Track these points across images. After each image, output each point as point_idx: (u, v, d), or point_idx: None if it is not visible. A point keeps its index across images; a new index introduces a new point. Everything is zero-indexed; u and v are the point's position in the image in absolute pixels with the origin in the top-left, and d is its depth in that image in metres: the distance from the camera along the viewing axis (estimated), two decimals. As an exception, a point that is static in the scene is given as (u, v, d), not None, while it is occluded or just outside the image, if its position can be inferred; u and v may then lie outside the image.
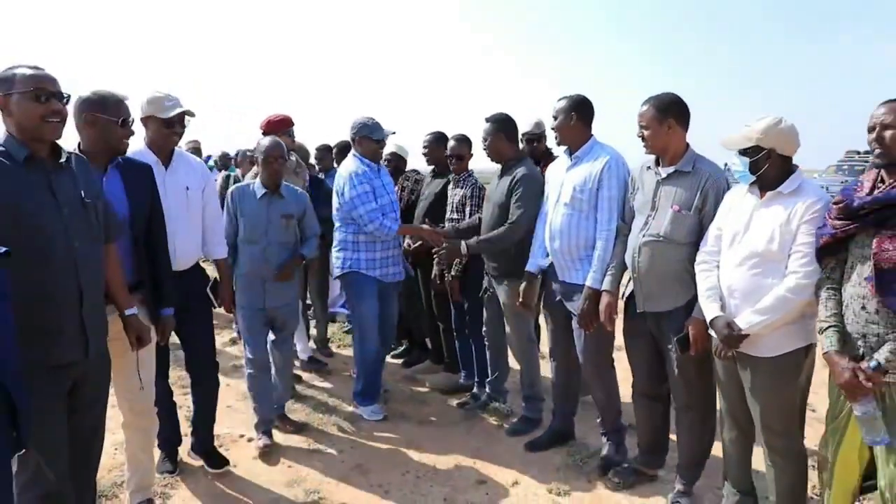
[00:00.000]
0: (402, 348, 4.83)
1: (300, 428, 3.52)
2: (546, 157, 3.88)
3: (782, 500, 2.37)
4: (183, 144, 4.11)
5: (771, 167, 2.20)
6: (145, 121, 2.67)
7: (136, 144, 2.67)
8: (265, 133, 3.77)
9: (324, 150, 5.53)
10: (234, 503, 2.84)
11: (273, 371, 3.46)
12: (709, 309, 2.34)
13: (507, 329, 3.55)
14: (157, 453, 2.95)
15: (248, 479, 3.02)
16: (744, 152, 2.23)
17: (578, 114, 2.93)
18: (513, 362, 3.79)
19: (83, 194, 1.95)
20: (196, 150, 7.10)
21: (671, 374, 2.64)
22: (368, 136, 3.54)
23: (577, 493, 2.88)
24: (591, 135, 2.99)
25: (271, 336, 3.44)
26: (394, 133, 3.76)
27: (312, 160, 5.49)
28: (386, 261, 3.61)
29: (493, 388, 3.81)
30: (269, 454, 3.22)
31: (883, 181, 1.97)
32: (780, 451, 2.34)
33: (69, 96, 1.94)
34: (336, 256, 3.64)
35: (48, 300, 1.85)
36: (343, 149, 5.41)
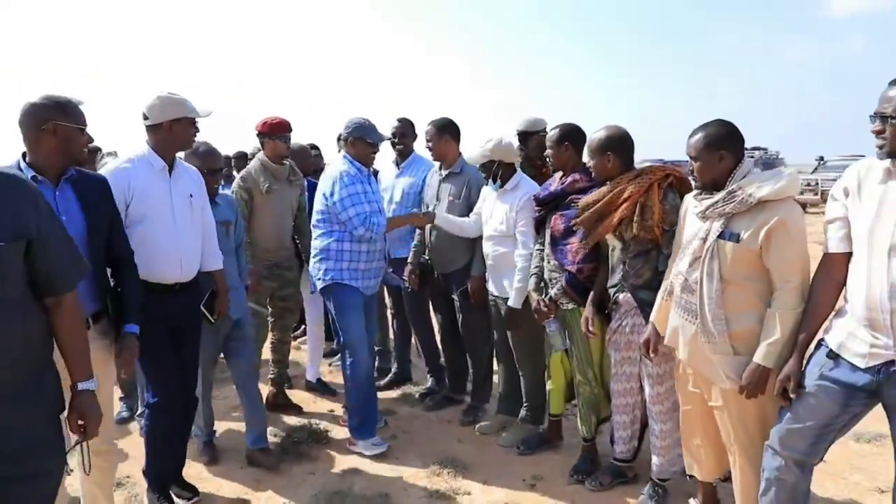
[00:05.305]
0: None
1: (277, 465, 3.17)
2: None
3: (530, 398, 3.42)
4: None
5: (503, 172, 3.23)
6: (168, 124, 2.53)
7: (129, 149, 2.61)
8: (264, 135, 3.61)
9: (240, 159, 5.52)
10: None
11: (241, 398, 3.27)
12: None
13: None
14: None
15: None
16: (483, 166, 3.25)
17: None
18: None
19: None
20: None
21: (459, 318, 3.65)
22: (363, 139, 3.28)
23: (400, 413, 3.88)
24: (413, 150, 3.97)
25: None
26: (391, 139, 3.74)
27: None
28: (368, 272, 3.35)
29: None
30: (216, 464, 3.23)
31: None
32: (524, 365, 3.39)
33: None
34: (316, 267, 3.32)
35: None
36: (240, 158, 5.64)
